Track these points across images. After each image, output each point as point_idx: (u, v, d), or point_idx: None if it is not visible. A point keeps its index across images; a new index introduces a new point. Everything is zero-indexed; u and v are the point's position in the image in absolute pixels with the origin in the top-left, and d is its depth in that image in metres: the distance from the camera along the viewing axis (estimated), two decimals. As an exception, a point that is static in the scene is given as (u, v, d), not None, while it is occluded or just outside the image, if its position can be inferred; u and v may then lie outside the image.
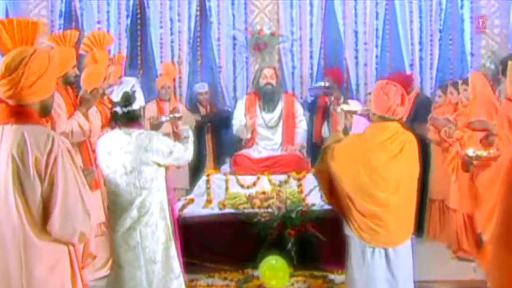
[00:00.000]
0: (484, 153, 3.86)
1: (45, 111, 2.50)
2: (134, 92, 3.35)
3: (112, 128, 3.42)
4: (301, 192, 5.40)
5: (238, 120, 5.96)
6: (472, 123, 4.29)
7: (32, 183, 2.32)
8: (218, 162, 6.64)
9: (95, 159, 3.99)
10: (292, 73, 7.36)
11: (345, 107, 4.04)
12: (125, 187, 3.28)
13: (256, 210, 5.01)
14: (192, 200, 5.44)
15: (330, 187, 3.63)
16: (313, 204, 4.99)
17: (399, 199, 3.44)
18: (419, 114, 6.25)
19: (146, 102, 6.49)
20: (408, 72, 7.22)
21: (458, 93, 5.56)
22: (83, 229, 2.39)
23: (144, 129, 3.48)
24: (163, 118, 4.11)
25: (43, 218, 2.35)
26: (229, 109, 6.88)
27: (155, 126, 3.93)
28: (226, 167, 5.93)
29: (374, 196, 3.42)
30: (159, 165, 3.34)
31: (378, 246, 3.44)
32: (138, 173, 3.27)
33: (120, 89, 3.38)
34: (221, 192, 5.50)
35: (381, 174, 3.43)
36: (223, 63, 7.32)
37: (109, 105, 4.99)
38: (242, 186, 5.52)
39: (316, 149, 6.65)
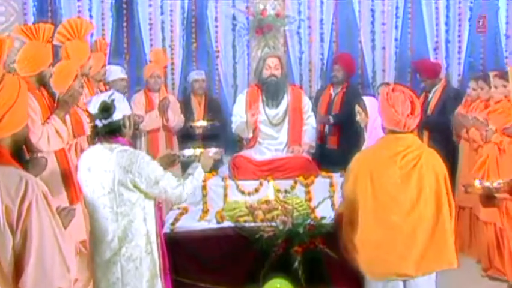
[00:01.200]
0: (494, 184, 3.58)
1: (18, 145, 2.42)
2: (113, 100, 3.28)
3: (94, 143, 3.37)
4: (309, 200, 5.35)
5: (239, 116, 5.85)
6: (507, 130, 4.21)
7: (2, 236, 2.25)
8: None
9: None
10: (300, 58, 7.31)
11: None
12: (103, 210, 3.25)
13: (259, 223, 4.95)
14: (185, 210, 5.39)
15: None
16: (323, 218, 4.91)
17: (415, 222, 3.38)
18: (447, 109, 6.17)
19: (134, 92, 6.59)
20: (432, 58, 7.15)
21: (490, 88, 5.46)
22: (61, 285, 2.32)
23: (130, 145, 3.43)
24: (182, 157, 3.97)
25: (15, 274, 2.28)
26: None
27: (171, 163, 3.87)
28: (223, 169, 5.85)
29: (383, 220, 3.36)
30: (144, 193, 3.28)
31: (391, 278, 3.39)
32: (116, 195, 3.23)
33: (97, 99, 3.32)
34: (219, 200, 5.44)
35: (391, 193, 3.37)
36: (221, 47, 7.27)
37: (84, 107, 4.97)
38: (242, 192, 5.46)
39: (318, 149, 6.55)
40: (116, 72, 6.32)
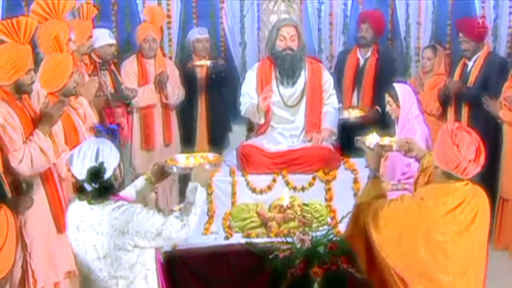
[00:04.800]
0: None
1: None
2: (102, 163, 3.29)
3: (81, 199, 3.41)
4: (330, 199, 5.48)
5: (248, 96, 5.85)
6: None
7: None
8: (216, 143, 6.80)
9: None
10: (319, 10, 7.29)
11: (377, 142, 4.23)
12: (99, 273, 3.38)
13: (273, 238, 5.08)
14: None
15: (369, 257, 3.72)
16: (347, 232, 5.05)
17: (469, 282, 3.51)
18: (490, 83, 6.17)
19: (125, 58, 6.59)
20: (478, 7, 7.06)
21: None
22: None
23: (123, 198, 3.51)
24: (175, 170, 4.11)
25: None
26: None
27: (162, 177, 4.02)
28: (230, 157, 5.92)
29: (436, 280, 3.48)
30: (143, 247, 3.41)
31: None
32: (113, 260, 3.34)
33: (82, 162, 3.31)
34: (226, 199, 5.55)
35: (447, 252, 3.46)
36: (226, -3, 7.25)
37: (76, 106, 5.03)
38: (253, 190, 5.57)
39: (342, 128, 6.55)
40: (104, 37, 6.28)
